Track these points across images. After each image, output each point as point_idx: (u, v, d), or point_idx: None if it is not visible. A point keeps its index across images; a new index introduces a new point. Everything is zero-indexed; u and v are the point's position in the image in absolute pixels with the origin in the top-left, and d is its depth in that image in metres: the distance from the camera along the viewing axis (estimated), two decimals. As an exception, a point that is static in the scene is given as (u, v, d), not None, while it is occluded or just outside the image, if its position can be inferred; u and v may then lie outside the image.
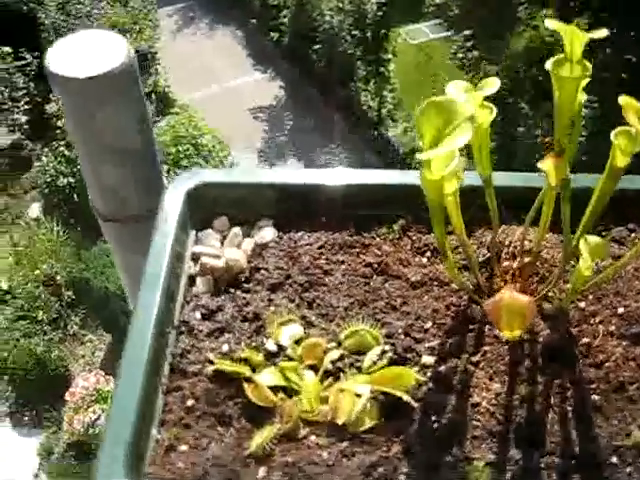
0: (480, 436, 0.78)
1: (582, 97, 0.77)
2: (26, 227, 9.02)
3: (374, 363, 0.82)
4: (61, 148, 8.82)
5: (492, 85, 0.71)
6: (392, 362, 0.83)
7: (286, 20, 11.09)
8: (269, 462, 0.76)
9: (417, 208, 0.92)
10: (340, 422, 0.77)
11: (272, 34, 11.26)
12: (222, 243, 0.96)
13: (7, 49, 8.89)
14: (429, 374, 0.83)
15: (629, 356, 0.84)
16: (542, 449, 0.77)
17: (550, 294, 0.90)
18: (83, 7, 9.00)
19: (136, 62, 0.92)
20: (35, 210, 9.24)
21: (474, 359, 0.84)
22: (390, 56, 10.09)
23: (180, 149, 8.82)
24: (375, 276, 0.92)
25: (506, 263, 0.92)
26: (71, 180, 8.58)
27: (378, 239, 0.96)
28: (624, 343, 0.86)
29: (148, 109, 0.97)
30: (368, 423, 0.78)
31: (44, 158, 8.85)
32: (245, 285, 0.92)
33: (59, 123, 8.96)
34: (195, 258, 0.93)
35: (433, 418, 0.79)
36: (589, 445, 0.78)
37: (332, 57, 10.21)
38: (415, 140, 8.92)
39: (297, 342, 0.85)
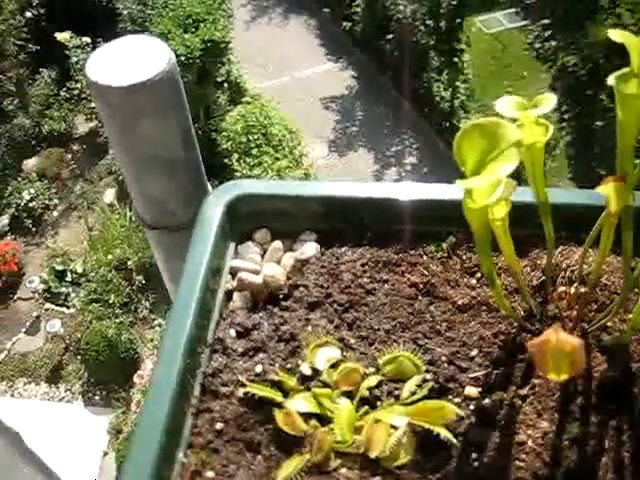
0: (524, 478, 0.73)
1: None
2: (101, 212, 9.28)
3: (413, 393, 0.78)
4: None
5: (548, 102, 0.65)
6: (433, 392, 0.78)
7: (359, 9, 10.99)
8: (296, 495, 0.72)
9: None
10: (373, 455, 0.73)
11: (345, 23, 11.19)
12: (262, 256, 0.93)
13: (86, 39, 9.13)
14: (472, 407, 0.77)
15: (697, 397, 0.77)
16: (592, 497, 0.71)
17: (610, 324, 0.83)
18: (159, -2, 9.14)
19: (177, 69, 0.89)
20: (109, 196, 9.49)
21: (522, 393, 0.78)
22: (464, 46, 9.85)
23: (251, 138, 8.88)
24: (420, 297, 0.87)
25: (562, 288, 0.85)
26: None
27: (425, 257, 0.91)
28: (691, 382, 0.78)
29: (190, 119, 0.94)
30: (403, 458, 0.74)
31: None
32: (283, 302, 0.88)
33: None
34: (233, 273, 0.90)
35: (474, 456, 0.74)
36: (645, 496, 0.71)
37: (405, 47, 10.06)
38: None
39: (333, 366, 0.81)
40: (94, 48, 9.03)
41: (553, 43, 8.71)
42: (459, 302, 0.86)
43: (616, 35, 0.61)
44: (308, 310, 0.87)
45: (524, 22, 10.04)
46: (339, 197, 0.94)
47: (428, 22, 9.78)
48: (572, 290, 0.84)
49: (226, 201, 0.92)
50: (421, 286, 0.88)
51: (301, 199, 0.95)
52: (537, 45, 9.02)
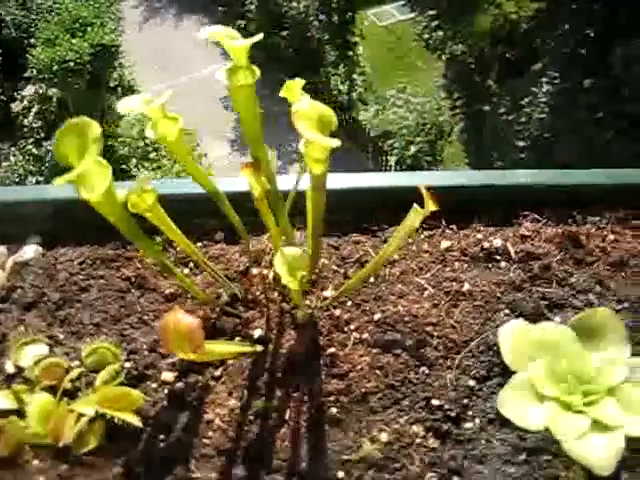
0: (207, 454, 0.77)
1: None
2: None
3: (106, 382, 0.81)
4: (29, 147, 8.78)
5: (166, 94, 0.69)
6: (133, 379, 0.82)
7: (253, 7, 10.99)
8: (-18, 490, 0.74)
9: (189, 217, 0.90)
10: (60, 444, 0.76)
11: (239, 22, 11.15)
12: (-12, 262, 0.94)
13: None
14: (166, 391, 0.81)
15: (376, 365, 0.83)
16: (269, 466, 0.76)
17: (307, 302, 0.88)
18: (44, 2, 8.90)
19: None
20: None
21: (216, 374, 0.83)
22: (358, 39, 10.00)
23: (148, 142, 8.75)
24: (133, 290, 0.91)
25: (264, 271, 0.90)
26: (40, 179, 8.53)
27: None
28: (374, 351, 0.84)
29: None
30: (92, 444, 0.77)
31: (12, 157, 8.79)
32: (0, 305, 0.90)
33: (25, 122, 8.92)
34: (-48, 280, 0.91)
35: (161, 437, 0.78)
36: (317, 461, 0.76)
37: (301, 42, 10.13)
38: (386, 123, 8.88)
39: (38, 362, 0.83)
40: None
41: (440, 33, 8.95)
42: (166, 292, 0.90)
43: (208, 33, 0.65)
44: (23, 310, 0.89)
45: (414, 14, 10.26)
46: (60, 200, 0.96)
47: (321, 17, 9.88)
48: (270, 273, 0.89)
49: (-54, 210, 0.93)
50: (134, 279, 0.91)
51: (24, 204, 0.97)
52: (426, 36, 9.26)
